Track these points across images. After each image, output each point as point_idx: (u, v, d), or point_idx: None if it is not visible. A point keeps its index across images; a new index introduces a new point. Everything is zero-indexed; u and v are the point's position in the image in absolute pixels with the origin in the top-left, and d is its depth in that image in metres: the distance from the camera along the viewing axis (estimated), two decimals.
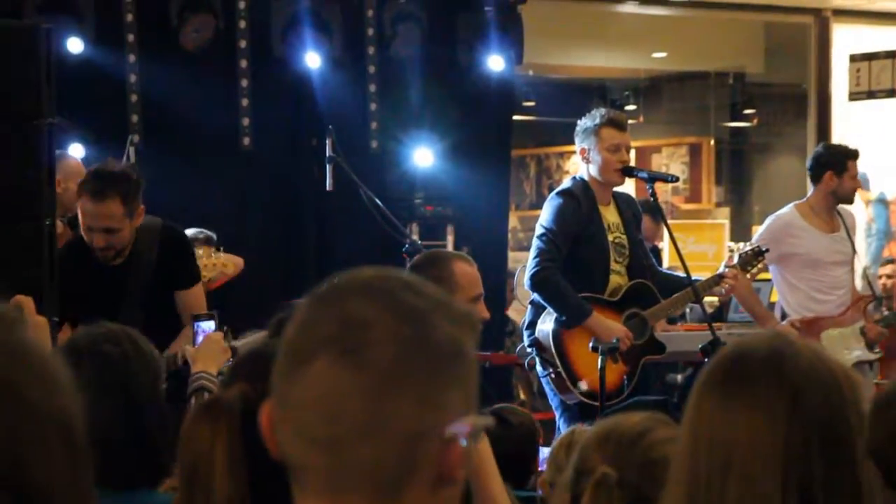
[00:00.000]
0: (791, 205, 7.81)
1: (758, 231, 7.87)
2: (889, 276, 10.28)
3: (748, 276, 7.13)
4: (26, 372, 1.41)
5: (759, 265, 7.18)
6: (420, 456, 1.54)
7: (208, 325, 4.89)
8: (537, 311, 6.57)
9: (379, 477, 1.54)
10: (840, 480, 1.85)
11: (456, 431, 1.57)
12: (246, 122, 8.81)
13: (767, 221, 7.81)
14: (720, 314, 9.74)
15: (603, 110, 6.78)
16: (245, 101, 8.80)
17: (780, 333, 1.97)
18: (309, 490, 1.57)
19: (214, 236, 7.46)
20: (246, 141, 8.82)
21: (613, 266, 6.62)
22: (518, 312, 9.24)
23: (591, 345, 6.21)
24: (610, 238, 6.62)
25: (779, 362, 1.89)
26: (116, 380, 2.98)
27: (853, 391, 1.91)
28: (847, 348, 7.43)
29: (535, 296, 6.54)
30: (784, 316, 7.74)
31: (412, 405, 1.54)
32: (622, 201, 6.79)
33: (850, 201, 7.81)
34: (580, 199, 6.56)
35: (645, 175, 6.78)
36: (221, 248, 6.77)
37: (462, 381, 1.59)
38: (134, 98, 8.42)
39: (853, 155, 7.82)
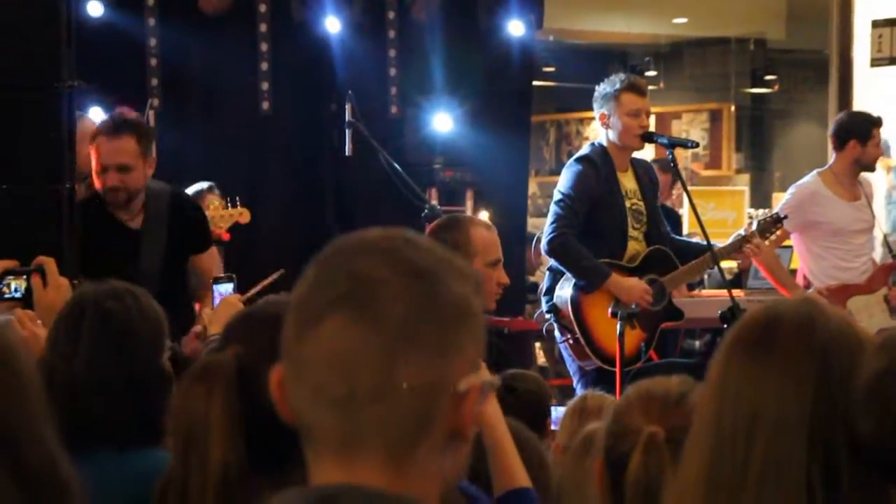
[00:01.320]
0: (814, 173, 7.78)
1: (781, 200, 7.85)
2: None
3: (766, 242, 7.12)
4: None
5: (778, 232, 7.17)
6: (433, 412, 1.56)
7: (226, 288, 4.89)
8: (555, 277, 6.56)
9: (392, 434, 1.55)
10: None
11: (468, 387, 1.58)
12: (265, 86, 8.80)
13: (791, 190, 7.79)
14: (739, 281, 9.71)
15: (622, 75, 6.75)
16: (264, 66, 8.78)
17: (811, 299, 1.95)
18: (322, 451, 1.57)
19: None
20: (265, 105, 8.81)
21: (631, 232, 6.61)
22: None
23: (610, 310, 6.20)
24: (627, 204, 6.61)
25: (809, 327, 1.88)
26: (115, 335, 2.98)
27: None
28: (871, 315, 7.42)
29: (553, 262, 6.54)
30: (807, 284, 7.73)
31: (425, 360, 1.55)
32: (640, 167, 6.77)
33: (873, 169, 7.80)
34: (598, 165, 6.54)
35: (665, 141, 6.76)
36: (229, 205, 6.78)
37: (472, 337, 1.60)
38: (153, 62, 8.41)
39: (877, 122, 7.80)
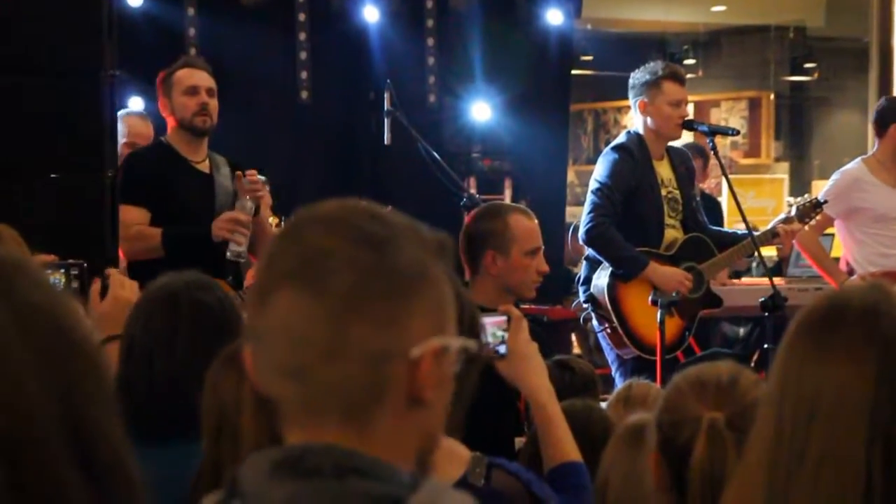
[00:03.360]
0: (858, 159, 7.75)
1: (825, 186, 7.81)
2: None
3: (806, 227, 7.10)
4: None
5: (817, 216, 7.14)
6: (386, 377, 1.59)
7: None
8: (592, 266, 6.55)
9: (347, 400, 1.58)
10: None
11: (422, 352, 1.60)
12: (304, 75, 8.81)
13: (835, 176, 7.75)
14: (779, 269, 9.68)
15: (661, 63, 6.73)
16: (303, 55, 8.80)
17: (880, 285, 1.94)
18: (289, 420, 1.62)
19: None
20: (304, 95, 8.82)
21: (668, 220, 6.60)
22: None
23: (650, 298, 6.19)
24: (664, 192, 6.59)
25: (873, 315, 1.87)
26: (211, 326, 2.99)
27: None
28: None
29: (590, 251, 6.53)
30: (850, 271, 7.70)
31: (373, 328, 1.58)
32: (675, 156, 6.75)
33: None
34: (634, 154, 6.52)
35: (706, 128, 6.73)
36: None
37: (428, 302, 1.63)
38: (192, 51, 8.42)
39: None
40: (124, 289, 3.70)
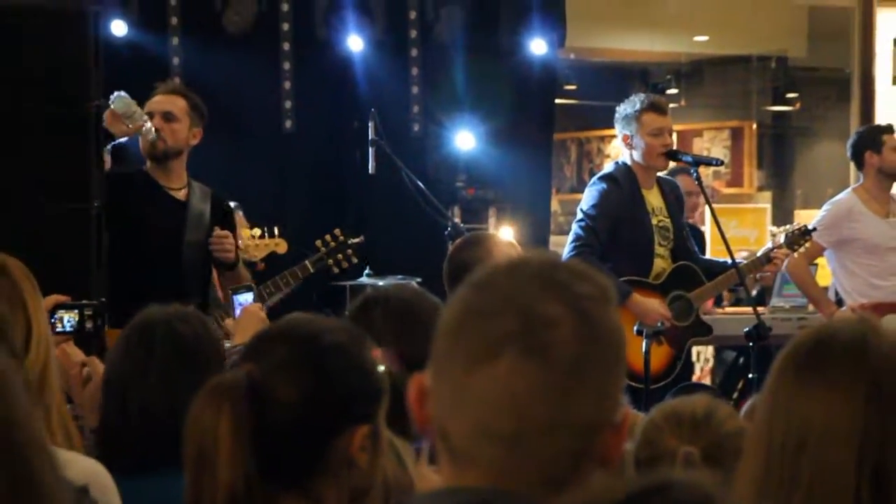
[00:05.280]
0: (849, 189, 7.81)
1: (817, 215, 7.85)
2: None
3: (795, 255, 7.13)
4: None
5: (806, 244, 7.18)
6: (594, 445, 1.57)
7: (246, 298, 4.91)
8: None
9: (554, 469, 1.56)
10: None
11: (623, 416, 1.61)
12: (288, 104, 8.82)
13: (826, 206, 7.80)
14: (762, 298, 9.69)
15: (642, 95, 6.77)
16: (287, 84, 8.81)
17: (865, 319, 1.96)
18: (470, 471, 1.57)
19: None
20: (288, 124, 8.83)
21: (658, 249, 6.62)
22: None
23: (635, 328, 6.20)
24: (654, 221, 6.62)
25: (862, 346, 1.88)
26: (186, 356, 2.99)
27: None
28: None
29: None
30: (840, 301, 7.73)
31: (592, 399, 1.56)
32: (666, 186, 6.78)
33: None
34: (622, 183, 6.55)
35: (689, 159, 6.77)
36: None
37: (623, 365, 1.63)
38: (177, 80, 8.43)
39: (886, 129, 7.89)
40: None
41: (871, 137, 7.76)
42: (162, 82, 6.19)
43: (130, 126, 5.54)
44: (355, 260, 6.32)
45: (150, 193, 5.83)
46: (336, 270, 6.29)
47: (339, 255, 6.23)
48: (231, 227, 6.04)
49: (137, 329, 3.07)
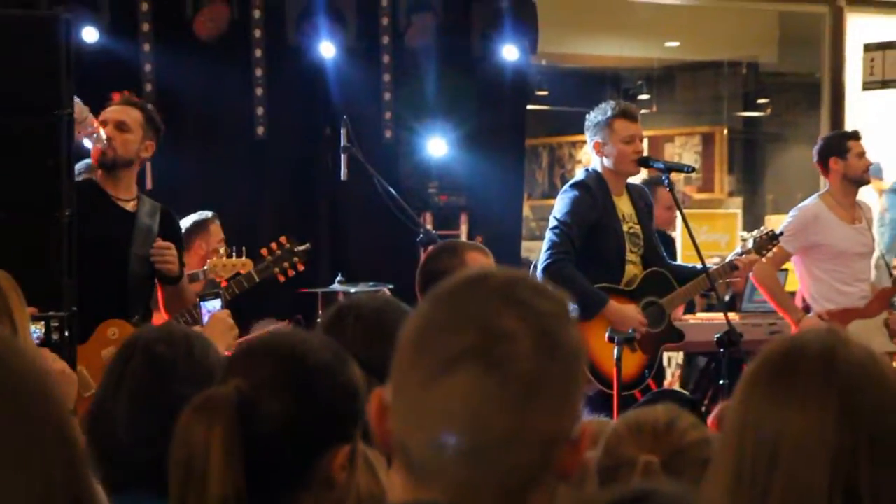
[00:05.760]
0: (815, 196, 7.83)
1: (783, 222, 7.88)
2: None
3: (763, 259, 7.16)
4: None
5: (775, 249, 7.20)
6: (552, 459, 1.58)
7: (214, 305, 4.91)
8: None
9: (512, 482, 1.57)
10: (888, 481, 1.85)
11: (580, 431, 1.62)
12: (260, 111, 8.81)
13: (793, 212, 7.83)
14: (733, 303, 9.73)
15: (612, 102, 6.78)
16: (259, 91, 8.80)
17: (833, 330, 1.96)
18: (429, 484, 1.59)
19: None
20: (260, 130, 8.82)
21: (629, 256, 6.64)
22: None
23: (607, 335, 6.22)
24: (625, 228, 6.63)
25: (831, 359, 1.89)
26: (158, 380, 2.96)
27: None
28: (871, 340, 7.42)
29: None
30: (806, 307, 7.76)
31: (551, 414, 1.57)
32: (635, 192, 6.80)
33: (865, 180, 7.83)
34: (594, 190, 6.56)
35: (661, 165, 6.78)
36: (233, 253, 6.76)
37: (582, 380, 1.65)
38: (149, 87, 8.42)
39: (850, 135, 7.92)
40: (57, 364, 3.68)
41: (837, 144, 7.80)
42: (130, 91, 6.14)
43: (81, 132, 5.51)
44: (302, 267, 6.28)
45: (97, 202, 5.74)
46: (282, 278, 6.26)
47: (286, 263, 6.19)
48: (179, 244, 5.98)
49: (120, 348, 3.05)
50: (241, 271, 6.48)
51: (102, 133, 5.66)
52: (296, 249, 6.19)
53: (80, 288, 5.22)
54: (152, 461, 2.84)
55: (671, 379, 10.20)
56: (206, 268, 6.74)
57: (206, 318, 4.81)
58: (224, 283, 6.52)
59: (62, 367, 3.42)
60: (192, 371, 2.96)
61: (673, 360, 10.70)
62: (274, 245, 6.16)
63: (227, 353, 4.38)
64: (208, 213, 7.57)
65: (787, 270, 8.27)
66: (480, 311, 1.59)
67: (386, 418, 1.64)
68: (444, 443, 1.57)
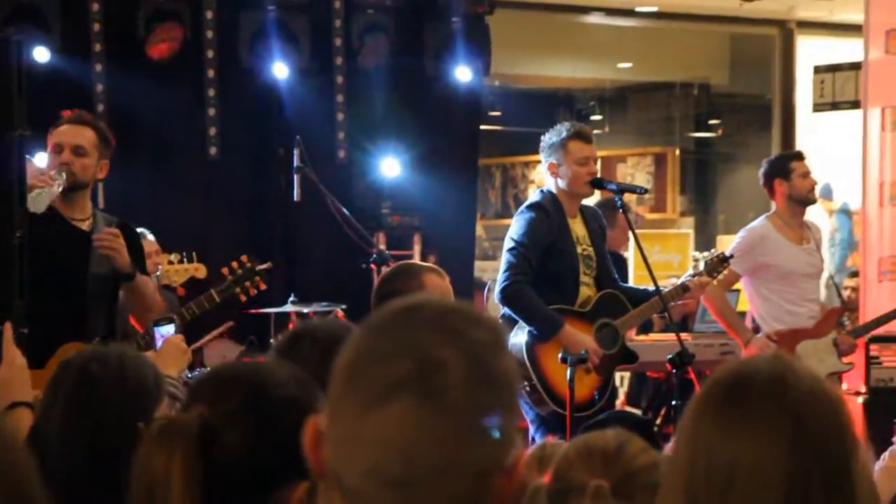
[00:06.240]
0: (763, 217, 7.87)
1: (731, 242, 7.92)
2: (854, 289, 10.35)
3: (714, 282, 7.18)
4: None
5: (726, 271, 7.23)
6: (486, 489, 1.58)
7: (167, 330, 4.88)
8: (509, 324, 6.56)
9: None
10: (840, 501, 1.86)
11: (515, 459, 1.61)
12: (213, 131, 8.80)
13: (741, 233, 7.87)
14: (685, 324, 9.77)
15: (567, 124, 6.79)
16: (212, 111, 8.78)
17: (780, 356, 1.97)
18: None
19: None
20: (213, 151, 8.81)
21: (583, 278, 6.65)
22: None
23: (559, 356, 6.23)
24: (578, 250, 6.65)
25: (781, 386, 1.90)
26: (87, 400, 2.94)
27: (848, 413, 1.93)
28: (820, 360, 7.49)
29: (506, 310, 6.55)
30: (756, 327, 7.79)
31: (485, 444, 1.57)
32: (588, 214, 6.82)
33: (812, 199, 7.86)
34: (550, 212, 6.58)
35: (614, 187, 6.80)
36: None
37: (517, 409, 1.65)
38: (100, 107, 8.39)
39: (793, 156, 7.97)
40: (13, 353, 3.65)
41: (780, 165, 7.84)
42: (77, 110, 6.06)
43: (34, 184, 5.47)
44: (264, 287, 6.23)
45: (52, 225, 5.63)
46: (244, 298, 6.22)
47: (247, 283, 6.12)
48: (138, 253, 5.91)
49: (56, 369, 3.03)
50: (197, 275, 6.45)
51: (56, 187, 5.56)
52: (257, 268, 6.12)
53: (38, 311, 5.19)
54: (81, 482, 2.82)
55: (623, 398, 10.22)
56: (158, 273, 6.69)
57: (159, 343, 4.78)
58: (181, 290, 6.50)
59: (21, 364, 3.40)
60: (123, 391, 2.94)
61: (625, 379, 10.74)
62: (235, 264, 6.11)
63: (179, 378, 4.39)
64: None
65: (738, 291, 8.30)
66: (415, 340, 1.59)
67: (320, 446, 1.63)
68: (378, 473, 1.56)
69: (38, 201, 5.45)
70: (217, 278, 6.26)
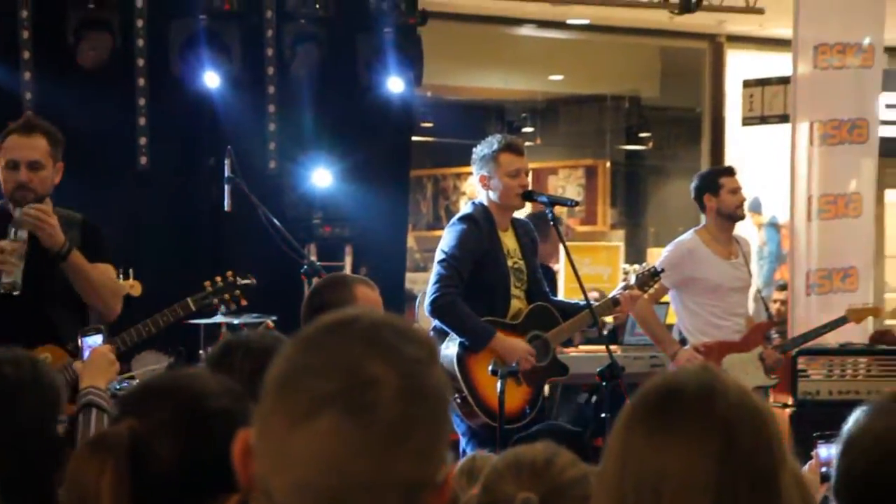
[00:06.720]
0: (692, 231, 7.93)
1: (660, 256, 7.97)
2: (783, 302, 10.43)
3: (645, 296, 7.21)
4: None
5: (656, 285, 7.27)
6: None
7: (95, 340, 4.85)
8: (440, 336, 6.56)
9: None
10: None
11: (445, 475, 1.61)
12: (143, 141, 8.74)
13: (669, 247, 7.92)
14: (614, 336, 9.81)
15: (499, 136, 6.81)
16: (142, 120, 8.73)
17: (708, 367, 1.98)
18: None
19: None
20: (143, 160, 8.75)
21: (513, 291, 6.66)
22: None
23: (490, 368, 6.23)
24: (509, 263, 6.66)
25: (709, 398, 1.90)
26: (2, 402, 2.91)
27: (776, 424, 1.94)
28: (746, 373, 7.54)
29: (437, 322, 6.55)
30: (683, 340, 7.84)
31: (415, 459, 1.57)
32: (520, 227, 6.83)
33: (740, 216, 7.91)
34: (481, 224, 6.59)
35: (545, 199, 6.82)
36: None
37: (448, 424, 1.64)
38: (30, 114, 8.30)
39: (723, 172, 8.04)
40: None
41: (710, 180, 7.90)
42: (25, 115, 5.95)
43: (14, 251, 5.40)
44: (244, 302, 6.18)
45: (5, 232, 5.54)
46: (222, 310, 6.17)
47: (226, 295, 6.06)
48: (101, 248, 5.82)
49: None
50: (132, 293, 6.38)
51: (17, 257, 5.44)
52: (238, 283, 6.06)
53: (6, 318, 5.14)
54: (11, 488, 2.80)
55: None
56: None
57: (86, 353, 4.74)
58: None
59: None
60: (37, 393, 2.93)
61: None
62: (218, 278, 6.05)
63: (107, 389, 4.35)
64: None
65: (666, 304, 8.35)
66: (346, 355, 1.58)
67: (250, 460, 1.63)
68: (306, 488, 1.56)
69: (13, 282, 5.38)
70: (143, 283, 6.20)
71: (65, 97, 8.26)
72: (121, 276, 6.56)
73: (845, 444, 2.29)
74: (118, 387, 5.45)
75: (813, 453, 3.94)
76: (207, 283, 6.00)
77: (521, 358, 6.46)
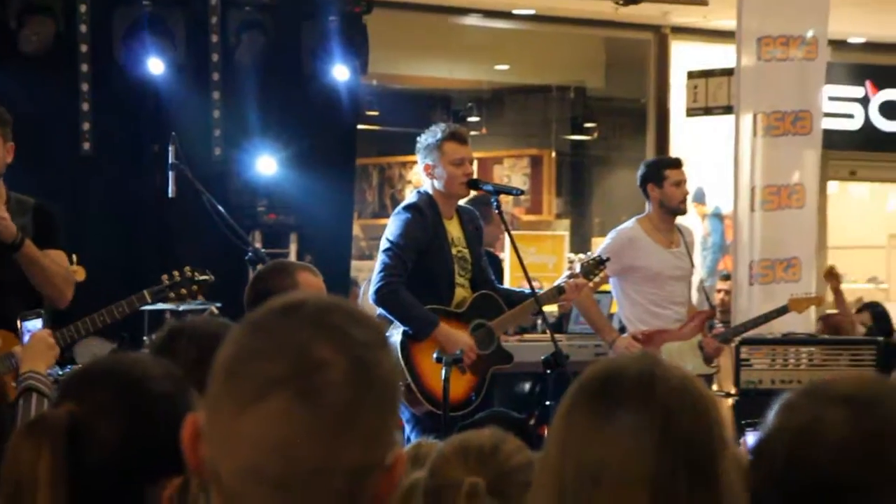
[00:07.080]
0: (633, 219, 7.95)
1: (601, 244, 7.99)
2: (727, 292, 10.49)
3: (591, 284, 7.23)
4: None
5: (601, 273, 7.29)
6: (364, 488, 1.58)
7: (34, 325, 4.83)
8: (385, 324, 6.58)
9: None
10: (706, 500, 1.88)
11: (394, 459, 1.61)
12: (86, 126, 8.68)
13: (611, 235, 7.94)
14: (560, 325, 9.84)
15: (443, 125, 6.82)
16: (86, 106, 8.67)
17: (649, 354, 1.99)
18: None
19: None
20: (86, 146, 8.69)
21: (458, 279, 6.68)
22: None
23: (434, 356, 6.24)
24: (453, 252, 6.67)
25: (650, 384, 1.91)
26: None
27: (718, 411, 1.95)
28: (684, 361, 7.57)
29: (381, 310, 6.55)
30: (622, 328, 7.86)
31: (363, 443, 1.57)
32: (465, 216, 6.84)
33: (681, 210, 7.92)
34: (426, 213, 6.60)
35: (490, 188, 6.84)
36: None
37: (397, 408, 1.64)
38: None
39: (669, 164, 8.04)
40: None
41: (655, 171, 7.92)
42: None
43: None
44: (202, 297, 6.16)
45: None
46: (177, 304, 6.14)
47: (182, 290, 6.02)
48: (54, 234, 5.78)
49: None
50: (76, 278, 6.34)
51: None
52: (196, 278, 6.03)
53: None
54: None
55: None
56: None
57: (26, 338, 4.71)
58: None
59: None
60: None
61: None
62: (176, 272, 6.02)
63: (47, 374, 4.33)
64: None
65: (609, 293, 8.37)
66: (294, 338, 1.58)
67: (199, 444, 1.62)
68: (254, 471, 1.56)
69: None
70: (90, 276, 6.16)
71: (7, 82, 8.19)
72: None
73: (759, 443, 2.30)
74: (60, 373, 5.42)
75: (741, 441, 3.98)
76: (165, 277, 5.98)
77: (464, 348, 6.47)
